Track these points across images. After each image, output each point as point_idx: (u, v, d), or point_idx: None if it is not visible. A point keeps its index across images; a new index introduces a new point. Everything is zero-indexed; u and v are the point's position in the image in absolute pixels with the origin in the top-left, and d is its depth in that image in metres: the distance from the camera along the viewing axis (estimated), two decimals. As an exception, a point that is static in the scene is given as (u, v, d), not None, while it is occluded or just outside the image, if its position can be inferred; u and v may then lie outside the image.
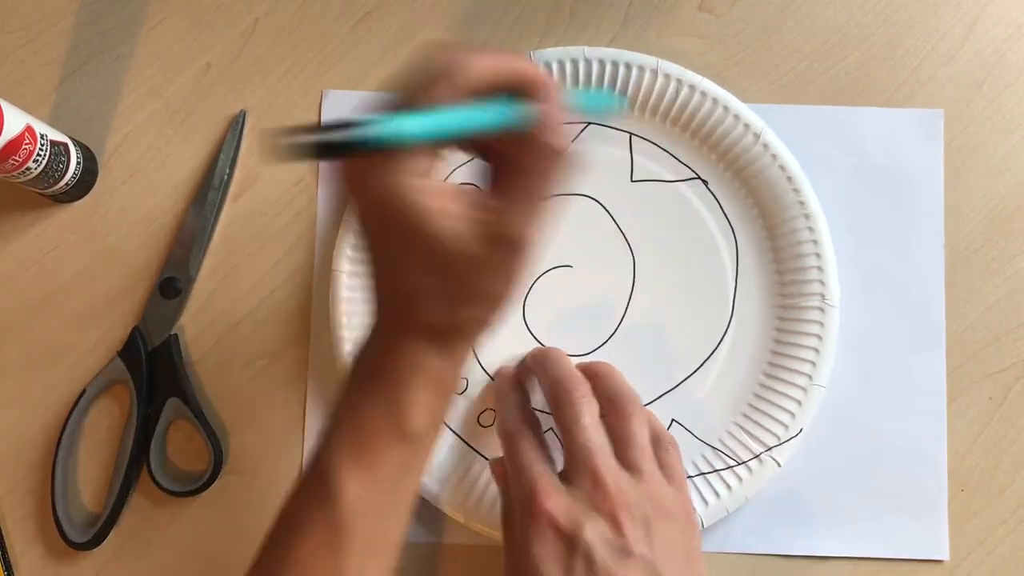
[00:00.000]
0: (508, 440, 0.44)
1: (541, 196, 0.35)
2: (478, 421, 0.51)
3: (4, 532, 0.51)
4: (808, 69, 0.53)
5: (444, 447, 0.50)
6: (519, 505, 0.41)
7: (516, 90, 0.34)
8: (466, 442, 0.50)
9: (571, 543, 0.39)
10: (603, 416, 0.44)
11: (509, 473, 0.43)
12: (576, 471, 0.41)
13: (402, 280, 0.36)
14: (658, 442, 0.44)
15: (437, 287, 0.36)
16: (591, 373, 0.45)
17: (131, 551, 0.51)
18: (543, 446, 0.44)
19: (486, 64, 0.33)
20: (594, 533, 0.39)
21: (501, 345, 0.49)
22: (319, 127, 0.30)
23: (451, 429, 0.51)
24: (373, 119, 0.31)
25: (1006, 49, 0.53)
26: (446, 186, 0.34)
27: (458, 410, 0.51)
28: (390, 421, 0.37)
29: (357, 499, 0.37)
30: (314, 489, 0.38)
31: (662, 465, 0.43)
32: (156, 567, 0.51)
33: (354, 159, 0.33)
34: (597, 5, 0.53)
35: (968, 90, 0.52)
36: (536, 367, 0.47)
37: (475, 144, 0.37)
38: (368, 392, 0.38)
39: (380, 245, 0.36)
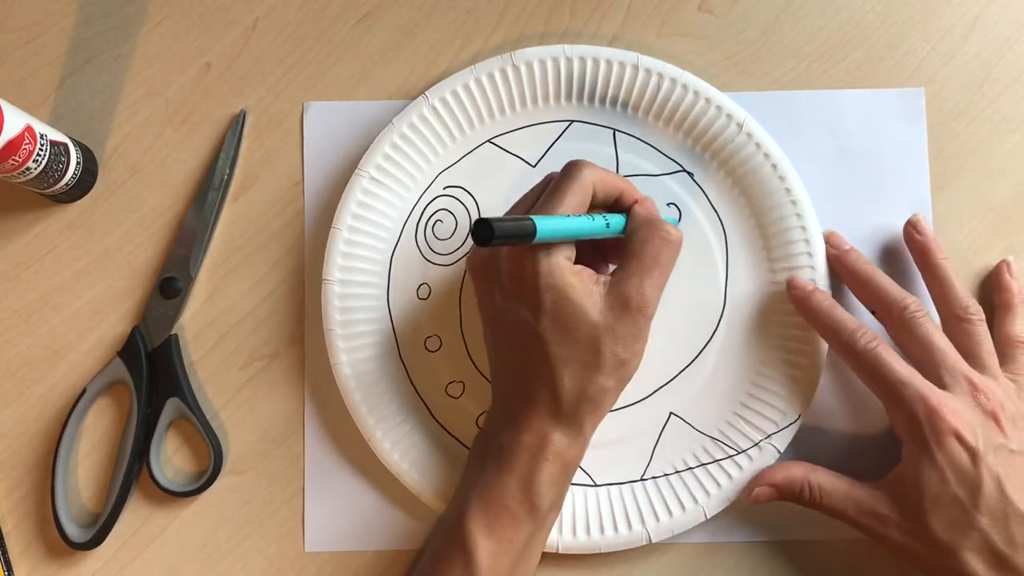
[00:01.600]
0: (869, 357, 0.46)
1: (656, 269, 0.43)
2: (476, 424, 0.51)
3: (4, 532, 0.51)
4: (808, 69, 0.53)
5: (444, 454, 0.50)
6: (906, 416, 0.44)
7: (620, 202, 0.45)
8: (466, 446, 0.50)
9: (973, 449, 0.43)
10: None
11: (879, 388, 0.46)
12: (947, 378, 0.45)
13: (542, 354, 0.42)
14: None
15: (576, 357, 0.42)
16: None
17: (131, 551, 0.51)
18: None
19: (602, 180, 0.44)
20: (988, 436, 0.44)
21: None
22: (500, 222, 0.38)
23: (450, 433, 0.51)
24: (533, 221, 0.39)
25: (1006, 49, 0.53)
26: (583, 269, 0.43)
27: (457, 415, 0.51)
28: (521, 499, 0.43)
29: (492, 566, 0.42)
30: (454, 554, 0.43)
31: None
32: (156, 567, 0.51)
33: (517, 247, 0.42)
34: (597, 5, 0.53)
35: (968, 90, 0.52)
36: (851, 277, 0.49)
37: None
38: (500, 470, 0.43)
39: (525, 323, 0.42)
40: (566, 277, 0.42)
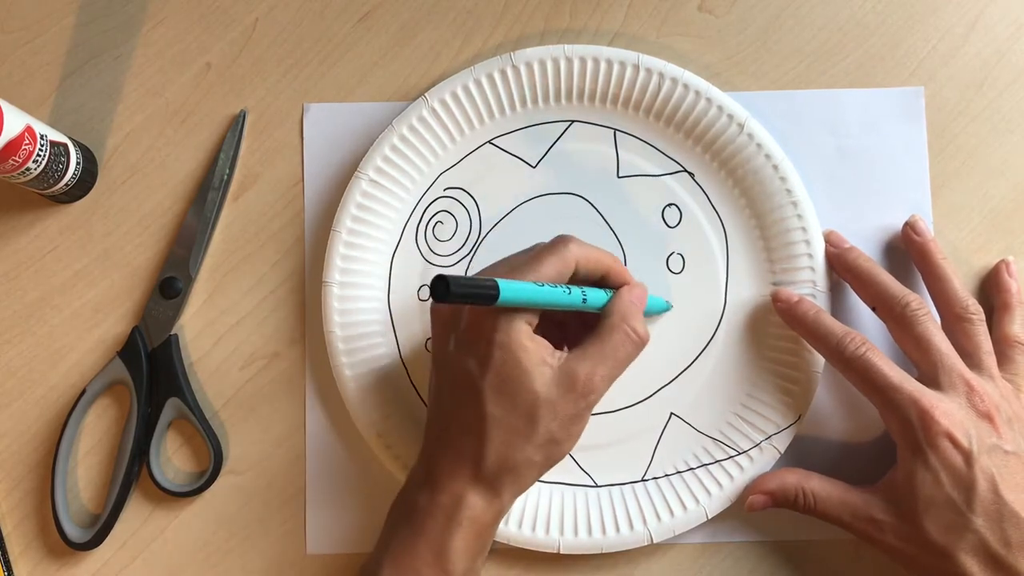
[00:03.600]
0: (859, 363, 0.46)
1: (611, 361, 0.42)
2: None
3: (4, 532, 0.51)
4: (808, 69, 0.53)
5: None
6: (899, 419, 0.44)
7: (606, 281, 0.44)
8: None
9: (966, 450, 0.43)
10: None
11: (871, 393, 0.46)
12: (943, 379, 0.45)
13: (478, 409, 0.41)
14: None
15: (510, 422, 0.41)
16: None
17: (131, 551, 0.51)
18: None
19: (587, 256, 0.43)
20: (982, 437, 0.44)
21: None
22: (467, 282, 0.38)
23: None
24: (498, 284, 0.38)
25: (1006, 49, 0.53)
26: (542, 339, 0.42)
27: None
28: (433, 564, 0.41)
29: None
30: None
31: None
32: (156, 567, 0.51)
33: (481, 307, 0.41)
34: (597, 5, 0.53)
35: (968, 90, 0.52)
36: (852, 274, 0.49)
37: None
38: (413, 533, 0.42)
39: (470, 374, 0.41)
40: (521, 339, 0.41)
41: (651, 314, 0.49)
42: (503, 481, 0.41)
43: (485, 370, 0.41)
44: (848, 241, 0.50)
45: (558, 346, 0.42)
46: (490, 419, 0.41)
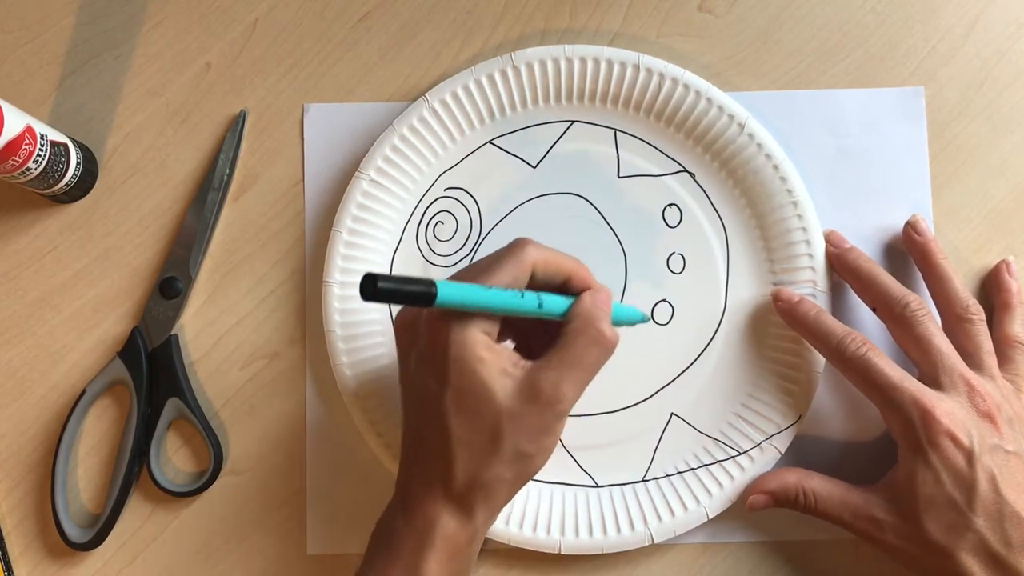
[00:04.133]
0: (860, 363, 0.46)
1: (578, 367, 0.39)
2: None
3: (4, 532, 0.51)
4: (808, 69, 0.53)
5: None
6: (901, 419, 0.44)
7: (569, 286, 0.41)
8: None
9: (968, 450, 0.43)
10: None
11: (872, 393, 0.46)
12: (944, 379, 0.45)
13: (441, 428, 0.39)
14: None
15: (474, 439, 0.39)
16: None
17: (131, 551, 0.51)
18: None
19: (546, 260, 0.40)
20: (983, 437, 0.44)
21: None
22: (399, 279, 0.36)
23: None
24: (437, 284, 0.36)
25: (1006, 49, 0.53)
26: (503, 348, 0.40)
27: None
28: None
29: None
30: None
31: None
32: (156, 567, 0.51)
33: (436, 312, 0.39)
34: (597, 5, 0.53)
35: (968, 90, 0.52)
36: (852, 275, 0.49)
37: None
38: (387, 559, 0.40)
39: (430, 392, 0.39)
40: (477, 351, 0.38)
41: (622, 324, 0.45)
42: (474, 500, 0.40)
43: (444, 387, 0.39)
44: (849, 241, 0.50)
45: (530, 357, 0.40)
46: (454, 438, 0.39)
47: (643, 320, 0.46)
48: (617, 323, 0.43)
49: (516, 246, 0.40)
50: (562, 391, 0.39)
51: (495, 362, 0.39)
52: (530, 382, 0.39)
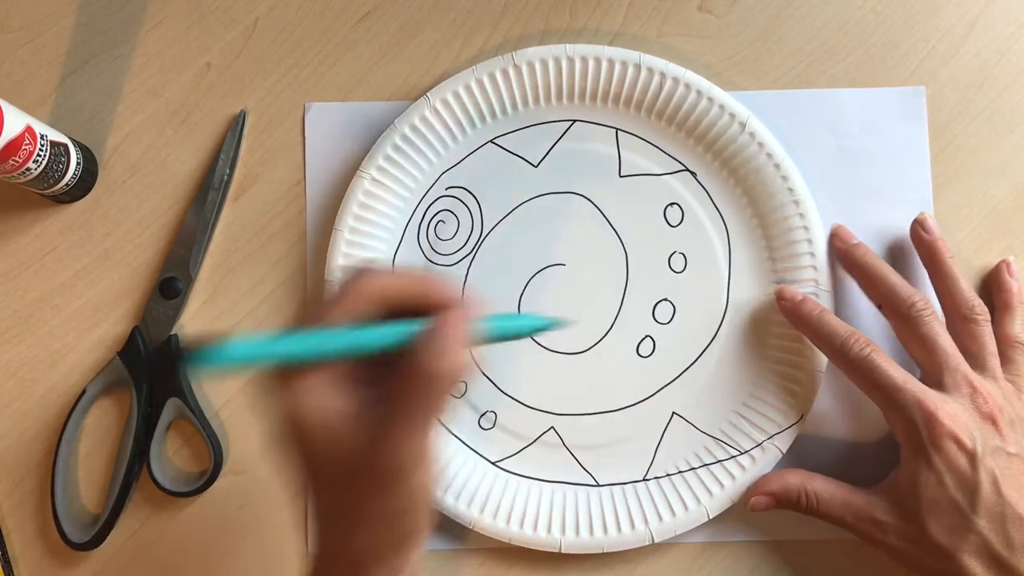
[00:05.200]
0: (863, 364, 0.46)
1: (417, 418, 0.33)
2: (479, 424, 0.51)
3: (4, 532, 0.51)
4: (808, 69, 0.53)
5: (447, 452, 0.50)
6: (903, 420, 0.44)
7: (423, 310, 0.34)
8: (468, 446, 0.50)
9: (971, 452, 0.43)
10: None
11: (875, 394, 0.46)
12: (947, 380, 0.45)
13: (311, 507, 0.36)
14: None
15: (335, 509, 0.35)
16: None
17: (131, 551, 0.51)
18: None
19: (390, 286, 0.34)
20: (986, 439, 0.44)
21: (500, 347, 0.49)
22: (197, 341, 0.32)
23: (451, 432, 0.51)
24: (215, 344, 0.31)
25: (1006, 49, 0.53)
26: (337, 402, 0.34)
27: (460, 414, 0.51)
28: None
29: None
30: None
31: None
32: (156, 567, 0.51)
33: (275, 382, 0.34)
34: (597, 5, 0.53)
35: (968, 90, 0.52)
36: (859, 271, 0.49)
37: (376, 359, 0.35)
38: None
39: (291, 470, 0.35)
40: (300, 412, 0.33)
41: (506, 338, 0.37)
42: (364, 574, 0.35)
43: (292, 454, 0.35)
44: (856, 237, 0.50)
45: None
46: (319, 511, 0.36)
47: (547, 327, 0.38)
48: (500, 338, 0.37)
49: (350, 279, 0.35)
50: (401, 461, 0.33)
51: (323, 423, 0.33)
52: (367, 439, 0.33)
